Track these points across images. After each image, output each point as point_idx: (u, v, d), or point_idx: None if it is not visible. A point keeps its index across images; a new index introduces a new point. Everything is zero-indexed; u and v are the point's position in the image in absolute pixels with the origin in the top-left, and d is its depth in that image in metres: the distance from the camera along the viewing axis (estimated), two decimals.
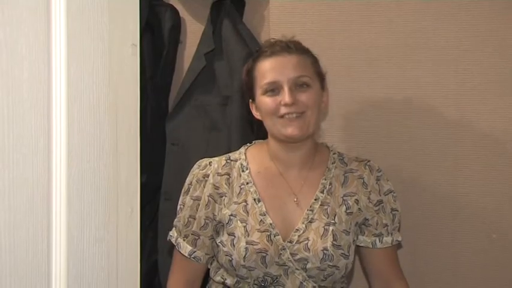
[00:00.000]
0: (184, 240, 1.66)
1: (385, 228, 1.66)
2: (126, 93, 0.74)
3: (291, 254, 1.56)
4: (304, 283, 1.57)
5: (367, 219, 1.65)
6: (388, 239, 1.67)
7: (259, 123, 1.69)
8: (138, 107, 0.77)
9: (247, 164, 1.68)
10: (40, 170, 0.65)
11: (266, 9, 2.23)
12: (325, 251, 1.56)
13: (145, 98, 2.19)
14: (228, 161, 1.69)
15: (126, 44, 0.74)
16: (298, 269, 1.56)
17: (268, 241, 1.57)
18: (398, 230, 1.71)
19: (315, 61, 1.64)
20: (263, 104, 1.60)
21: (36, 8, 0.64)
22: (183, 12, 2.34)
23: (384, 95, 2.05)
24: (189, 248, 1.65)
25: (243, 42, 2.21)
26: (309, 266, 1.56)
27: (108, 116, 0.71)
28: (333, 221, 1.60)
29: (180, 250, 1.67)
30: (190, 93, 2.25)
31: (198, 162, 1.72)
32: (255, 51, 1.71)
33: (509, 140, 1.96)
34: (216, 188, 1.65)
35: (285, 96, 1.55)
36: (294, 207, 1.62)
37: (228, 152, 2.17)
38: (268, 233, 1.58)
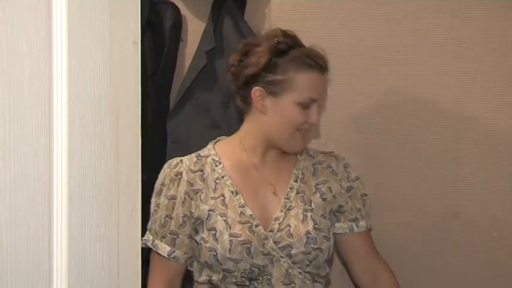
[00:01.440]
0: (161, 241, 1.64)
1: (359, 212, 1.72)
2: (127, 91, 0.74)
3: (274, 242, 1.58)
4: (290, 270, 1.59)
5: (342, 206, 1.70)
6: (363, 223, 1.72)
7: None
8: (139, 105, 0.76)
9: (219, 158, 1.68)
10: (41, 168, 0.65)
11: (267, 7, 2.23)
12: (308, 235, 1.59)
13: (146, 96, 2.19)
14: (198, 157, 1.68)
15: (127, 41, 0.74)
16: (282, 257, 1.58)
17: (250, 232, 1.58)
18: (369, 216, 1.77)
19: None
20: (291, 112, 1.60)
21: (37, 6, 0.64)
22: (184, 10, 2.34)
23: (385, 92, 2.05)
24: (168, 248, 1.63)
25: (245, 40, 2.21)
26: (293, 251, 1.58)
27: (109, 114, 0.71)
28: (309, 207, 1.64)
29: (158, 251, 1.64)
30: (191, 91, 2.24)
31: (167, 162, 1.70)
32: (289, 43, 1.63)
33: (510, 138, 1.96)
34: (191, 184, 1.64)
35: (315, 117, 1.61)
36: (271, 197, 1.65)
37: None
38: (249, 224, 1.59)
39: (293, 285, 1.60)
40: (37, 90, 0.64)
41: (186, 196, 1.63)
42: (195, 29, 2.31)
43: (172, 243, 1.63)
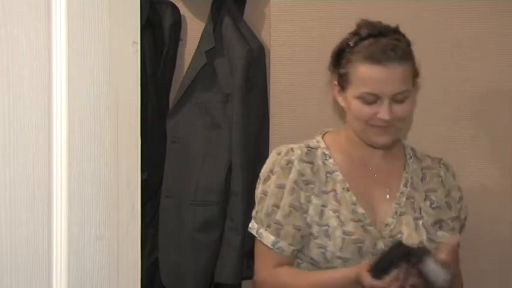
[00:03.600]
0: (266, 230, 1.56)
1: (461, 223, 1.67)
2: (126, 90, 0.74)
3: (384, 245, 1.51)
4: None
5: (442, 219, 1.60)
6: (458, 235, 1.64)
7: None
8: (139, 105, 0.76)
9: (329, 151, 1.60)
10: (40, 167, 0.65)
11: (267, 6, 2.23)
12: (420, 244, 1.52)
13: (146, 96, 2.19)
14: (308, 148, 1.59)
15: (127, 41, 0.74)
16: None
17: (364, 231, 1.52)
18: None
19: (413, 63, 1.56)
20: (355, 107, 1.51)
21: (36, 5, 0.64)
22: (183, 10, 2.34)
23: None
24: (272, 238, 1.55)
25: (244, 39, 2.21)
26: None
27: (108, 113, 0.71)
28: (420, 215, 1.57)
29: (262, 240, 1.56)
30: (191, 90, 2.25)
31: (276, 150, 1.62)
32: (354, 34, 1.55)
33: (510, 137, 1.96)
34: (302, 175, 1.55)
35: (385, 113, 1.47)
36: (382, 199, 1.58)
37: (229, 150, 2.18)
38: (362, 223, 1.53)
39: None
40: (36, 89, 0.65)
41: (295, 185, 1.55)
42: (194, 28, 2.32)
43: (277, 234, 1.54)
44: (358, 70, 1.49)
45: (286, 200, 1.54)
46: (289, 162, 1.56)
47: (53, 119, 0.66)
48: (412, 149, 1.68)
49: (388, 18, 2.04)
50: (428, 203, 1.60)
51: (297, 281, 1.55)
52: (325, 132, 1.65)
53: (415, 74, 1.56)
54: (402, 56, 1.49)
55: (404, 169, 1.62)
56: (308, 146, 1.60)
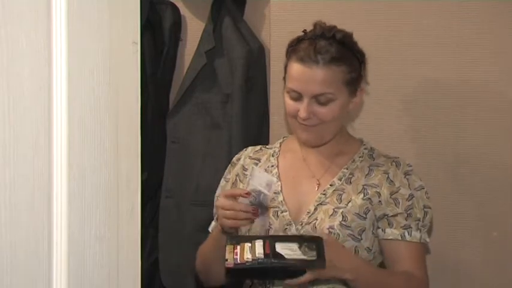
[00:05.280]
0: (215, 218, 1.71)
1: (416, 222, 1.59)
2: (126, 90, 0.74)
3: (297, 231, 1.58)
4: None
5: (386, 214, 1.58)
6: (417, 234, 1.58)
7: None
8: (139, 105, 0.76)
9: (279, 151, 1.73)
10: (40, 168, 0.65)
11: (267, 7, 2.23)
12: (331, 229, 1.55)
13: (146, 96, 2.19)
14: (262, 148, 1.76)
15: (127, 41, 0.74)
16: None
17: (274, 216, 1.61)
18: (428, 232, 1.64)
19: (349, 70, 1.58)
20: (285, 102, 1.61)
21: (36, 5, 0.64)
22: (183, 10, 2.34)
23: (384, 92, 2.05)
24: (213, 223, 1.73)
25: (244, 40, 2.21)
26: None
27: (108, 113, 0.71)
28: (343, 206, 1.59)
29: (209, 229, 1.75)
30: (191, 91, 2.25)
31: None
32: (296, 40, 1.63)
33: (510, 137, 1.96)
34: (245, 169, 1.71)
35: (302, 111, 1.54)
36: (311, 191, 1.63)
37: (229, 151, 2.18)
38: (277, 209, 1.61)
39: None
40: (36, 90, 0.64)
41: (237, 178, 1.72)
42: (194, 28, 2.32)
43: (215, 219, 1.70)
44: (290, 67, 1.59)
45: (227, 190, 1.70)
46: (238, 159, 1.75)
47: (53, 119, 0.66)
48: (371, 149, 1.69)
49: (388, 18, 2.04)
50: (362, 195, 1.60)
51: (203, 245, 1.75)
52: (286, 137, 1.79)
53: (350, 81, 1.58)
54: (330, 60, 1.54)
55: (347, 165, 1.65)
56: (264, 147, 1.77)
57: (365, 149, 1.69)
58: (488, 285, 2.00)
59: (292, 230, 1.58)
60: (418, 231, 1.59)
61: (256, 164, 1.71)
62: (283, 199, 1.63)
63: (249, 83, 2.20)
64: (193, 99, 2.25)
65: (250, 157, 1.73)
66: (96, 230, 0.70)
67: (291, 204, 1.63)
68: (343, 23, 1.97)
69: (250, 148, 1.77)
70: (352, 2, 2.07)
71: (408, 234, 1.58)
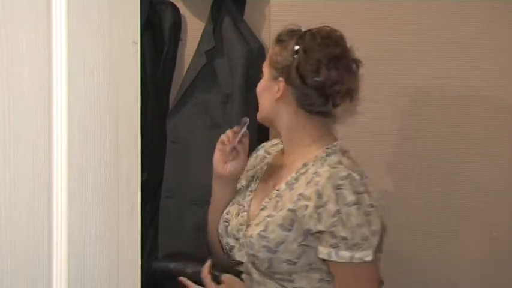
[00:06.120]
0: None
1: (344, 241, 1.43)
2: (126, 91, 0.74)
3: (243, 233, 1.60)
4: (248, 263, 1.57)
5: (310, 230, 1.47)
6: (345, 254, 1.43)
7: None
8: (139, 105, 0.76)
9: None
10: (40, 168, 0.65)
11: (267, 7, 2.23)
12: (250, 239, 1.52)
13: (145, 96, 2.19)
14: (275, 144, 1.78)
15: (127, 41, 0.74)
16: (243, 249, 1.59)
17: (235, 214, 1.64)
18: (364, 249, 1.44)
19: (282, 50, 1.58)
20: None
21: (36, 5, 0.64)
22: (183, 10, 2.34)
23: (384, 92, 2.05)
24: None
25: (244, 40, 2.21)
26: (244, 249, 1.59)
27: (108, 113, 0.71)
28: (274, 214, 1.52)
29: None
30: (191, 90, 2.25)
31: None
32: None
33: (511, 137, 1.96)
34: (257, 160, 1.76)
35: None
36: (267, 192, 1.63)
37: None
38: (240, 208, 1.65)
39: (250, 277, 1.57)
40: (37, 90, 0.64)
41: (249, 167, 1.76)
42: (194, 28, 2.32)
43: None
44: None
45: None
46: (257, 150, 1.80)
47: (53, 119, 0.66)
48: (329, 154, 1.56)
49: (388, 18, 2.04)
50: (292, 205, 1.50)
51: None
52: None
53: (276, 63, 1.60)
54: (274, 40, 1.64)
55: (297, 170, 1.57)
56: (281, 142, 1.74)
57: (323, 153, 1.56)
58: (488, 285, 2.00)
59: (242, 232, 1.59)
60: (349, 251, 1.43)
61: (265, 158, 1.76)
62: (251, 199, 1.66)
63: (249, 83, 2.20)
64: (193, 99, 2.25)
65: (265, 151, 1.77)
66: (96, 230, 0.70)
67: (254, 206, 1.63)
68: (343, 23, 1.97)
69: (271, 141, 1.81)
70: (352, 2, 2.07)
71: (335, 254, 1.44)
